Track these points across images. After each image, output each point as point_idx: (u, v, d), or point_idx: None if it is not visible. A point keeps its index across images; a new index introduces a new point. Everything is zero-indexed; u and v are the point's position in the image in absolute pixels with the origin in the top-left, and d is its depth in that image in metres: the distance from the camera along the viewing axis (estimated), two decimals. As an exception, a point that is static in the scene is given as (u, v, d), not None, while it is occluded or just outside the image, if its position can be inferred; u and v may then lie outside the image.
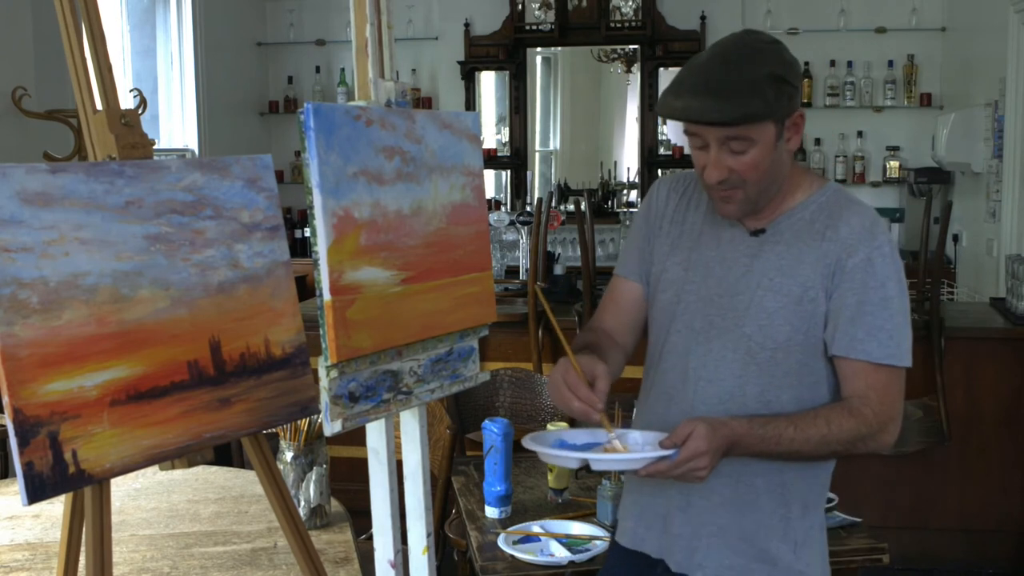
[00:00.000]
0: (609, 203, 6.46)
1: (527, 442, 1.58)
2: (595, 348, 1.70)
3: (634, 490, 1.80)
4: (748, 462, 1.61)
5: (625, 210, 6.25)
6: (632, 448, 1.58)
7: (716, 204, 1.65)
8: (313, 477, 2.09)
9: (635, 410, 1.81)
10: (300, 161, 2.24)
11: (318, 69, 6.58)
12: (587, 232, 4.15)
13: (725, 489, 1.65)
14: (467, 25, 6.34)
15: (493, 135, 6.59)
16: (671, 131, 6.38)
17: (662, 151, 6.34)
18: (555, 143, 6.82)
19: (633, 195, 6.47)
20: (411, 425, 1.47)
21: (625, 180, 6.54)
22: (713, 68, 1.54)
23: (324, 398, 1.25)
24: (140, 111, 4.31)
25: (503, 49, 6.31)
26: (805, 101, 6.07)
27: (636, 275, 1.80)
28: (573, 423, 3.02)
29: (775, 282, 1.62)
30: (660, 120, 6.31)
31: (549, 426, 2.40)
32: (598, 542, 2.09)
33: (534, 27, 6.19)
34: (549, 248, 4.92)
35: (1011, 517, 3.74)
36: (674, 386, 1.69)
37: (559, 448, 1.59)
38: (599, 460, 1.52)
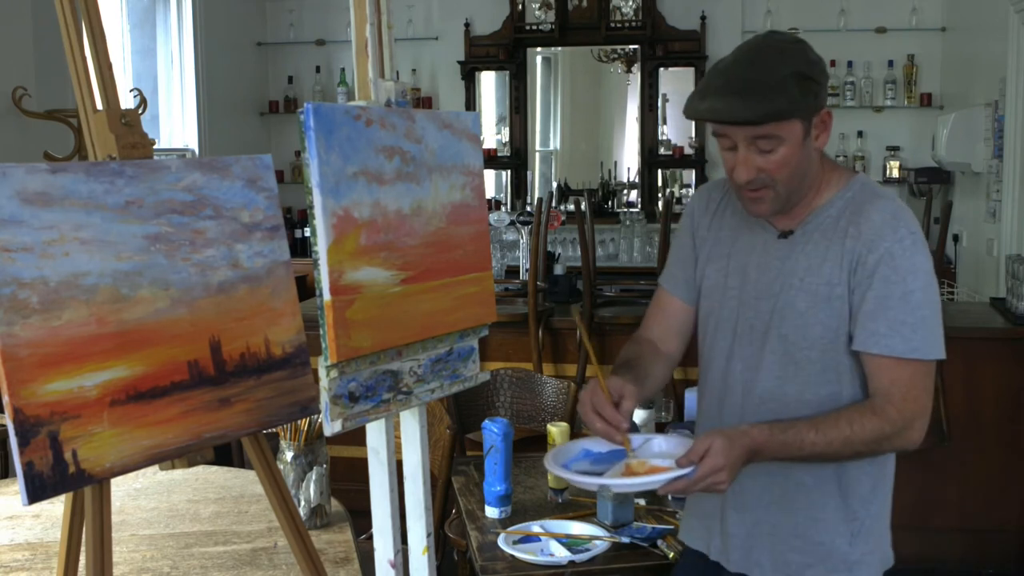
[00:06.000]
0: (609, 203, 6.45)
1: (548, 462, 1.65)
2: (635, 363, 1.74)
3: None
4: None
5: (625, 210, 6.24)
6: (656, 457, 1.62)
7: (745, 204, 1.66)
8: (313, 477, 2.09)
9: (697, 408, 1.87)
10: (300, 161, 2.24)
11: (318, 69, 6.58)
12: (587, 232, 4.15)
13: (775, 488, 1.68)
14: (467, 25, 6.34)
15: (493, 135, 6.59)
16: (671, 131, 6.38)
17: (662, 151, 6.35)
18: (555, 143, 6.82)
19: (633, 195, 6.47)
20: (411, 425, 1.47)
21: (625, 180, 6.54)
22: (738, 69, 1.55)
23: (324, 398, 1.25)
24: (140, 111, 4.31)
25: (503, 49, 6.31)
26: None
27: (677, 287, 1.84)
28: (572, 424, 3.02)
29: (805, 282, 1.63)
30: (660, 120, 6.31)
31: (550, 427, 2.40)
32: (598, 542, 2.09)
33: (534, 27, 6.19)
34: (549, 248, 4.92)
35: (1011, 517, 3.73)
36: (722, 390, 1.74)
37: (584, 458, 1.66)
38: (619, 484, 1.58)
